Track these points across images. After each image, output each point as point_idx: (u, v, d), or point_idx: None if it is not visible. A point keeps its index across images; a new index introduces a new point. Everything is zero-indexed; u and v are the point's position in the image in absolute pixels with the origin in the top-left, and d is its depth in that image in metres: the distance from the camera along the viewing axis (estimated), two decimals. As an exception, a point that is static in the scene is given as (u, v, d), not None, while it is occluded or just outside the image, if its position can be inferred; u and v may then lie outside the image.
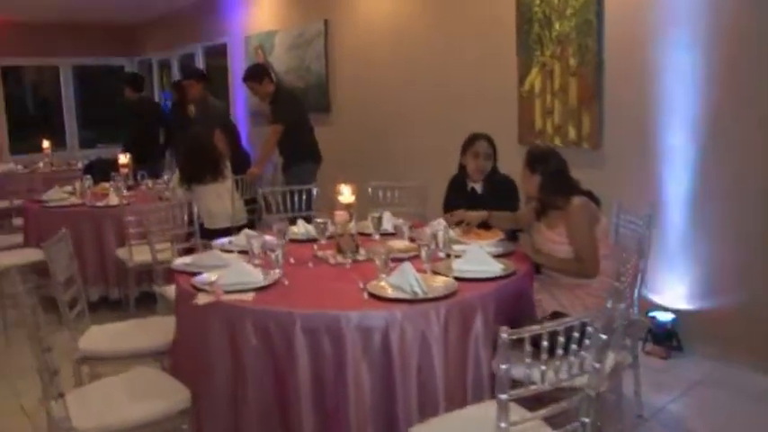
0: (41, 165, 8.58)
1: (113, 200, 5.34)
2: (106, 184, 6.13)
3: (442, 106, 5.69)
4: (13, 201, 7.04)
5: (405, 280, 2.74)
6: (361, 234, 3.62)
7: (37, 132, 11.33)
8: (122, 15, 10.40)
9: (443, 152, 5.63)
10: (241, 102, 8.48)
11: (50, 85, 12.08)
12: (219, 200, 5.29)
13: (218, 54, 9.35)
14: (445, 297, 2.68)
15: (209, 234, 4.96)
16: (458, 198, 4.16)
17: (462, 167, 4.17)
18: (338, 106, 6.80)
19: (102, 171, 7.22)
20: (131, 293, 4.91)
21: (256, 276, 2.89)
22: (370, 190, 4.86)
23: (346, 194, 3.30)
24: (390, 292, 2.71)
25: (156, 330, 3.28)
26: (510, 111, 5.11)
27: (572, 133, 4.75)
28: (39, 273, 5.23)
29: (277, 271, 2.98)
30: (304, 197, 4.90)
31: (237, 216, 5.37)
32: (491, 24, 5.24)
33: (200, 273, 3.03)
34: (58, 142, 10.35)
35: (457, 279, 2.88)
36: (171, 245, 4.39)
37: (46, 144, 8.73)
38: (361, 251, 3.32)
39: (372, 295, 2.69)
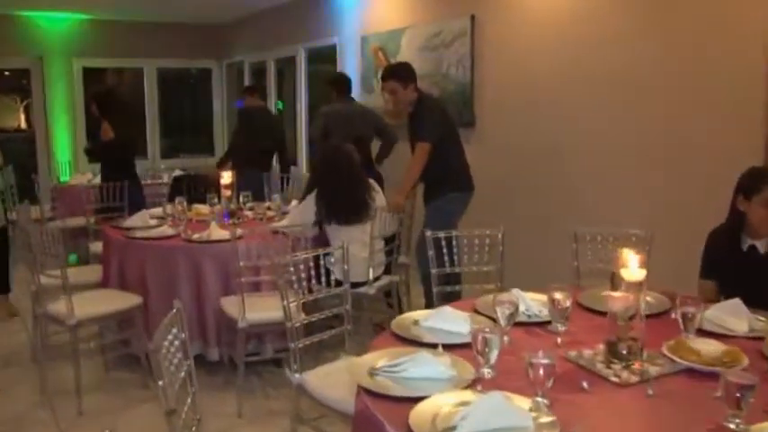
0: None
1: (216, 233, 4.15)
2: (203, 208, 4.99)
3: (642, 127, 4.36)
4: (89, 218, 5.96)
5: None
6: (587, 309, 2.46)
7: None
8: (211, 14, 9.39)
9: (648, 188, 4.33)
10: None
11: (129, 88, 11.15)
12: (363, 243, 4.11)
13: (322, 57, 8.21)
14: None
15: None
16: (728, 259, 2.86)
17: (736, 213, 2.86)
18: (485, 121, 5.50)
19: (194, 190, 6.15)
20: (240, 358, 3.70)
21: (521, 419, 1.62)
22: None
23: (633, 266, 2.01)
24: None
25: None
26: (752, 132, 3.76)
27: None
28: (121, 323, 4.13)
29: (542, 401, 1.71)
30: (486, 245, 3.54)
31: (375, 261, 4.15)
32: (727, 15, 3.89)
33: (405, 395, 1.79)
34: (138, 151, 9.36)
35: None
36: (298, 306, 3.16)
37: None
38: (645, 354, 2.04)
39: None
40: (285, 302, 2.79)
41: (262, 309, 3.63)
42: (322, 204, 4.14)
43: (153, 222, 4.65)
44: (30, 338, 4.70)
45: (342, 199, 4.08)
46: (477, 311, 2.51)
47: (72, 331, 3.65)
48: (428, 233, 3.30)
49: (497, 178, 5.21)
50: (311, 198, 4.22)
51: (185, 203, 4.70)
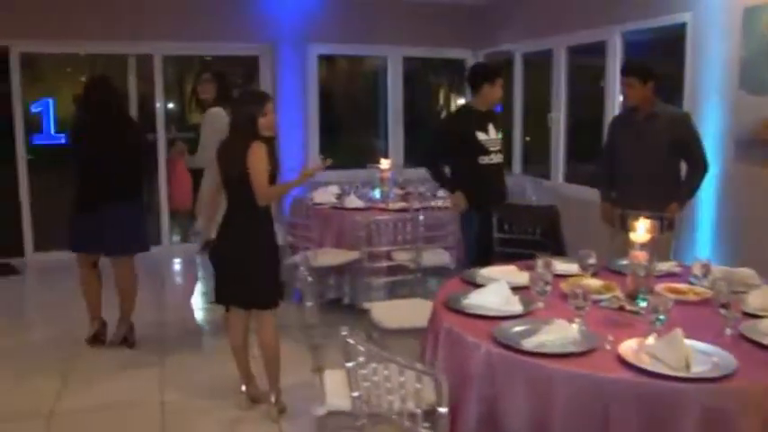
0: (377, 194, 5.95)
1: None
2: (586, 278, 3.11)
3: None
4: (363, 250, 4.19)
5: None
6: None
7: (341, 139, 9.15)
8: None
9: None
10: (714, 122, 5.04)
11: (359, 78, 9.74)
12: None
13: (641, 44, 6.12)
14: None
15: None
16: None
17: None
18: None
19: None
20: None
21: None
22: None
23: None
24: None
25: None
26: None
27: None
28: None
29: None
30: None
31: None
32: None
33: None
34: (373, 154, 7.75)
35: None
36: None
37: (385, 164, 6.00)
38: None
39: None
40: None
41: None
42: None
43: (517, 303, 2.80)
44: None
45: None
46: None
47: None
48: None
49: None
50: None
51: (553, 267, 2.86)
